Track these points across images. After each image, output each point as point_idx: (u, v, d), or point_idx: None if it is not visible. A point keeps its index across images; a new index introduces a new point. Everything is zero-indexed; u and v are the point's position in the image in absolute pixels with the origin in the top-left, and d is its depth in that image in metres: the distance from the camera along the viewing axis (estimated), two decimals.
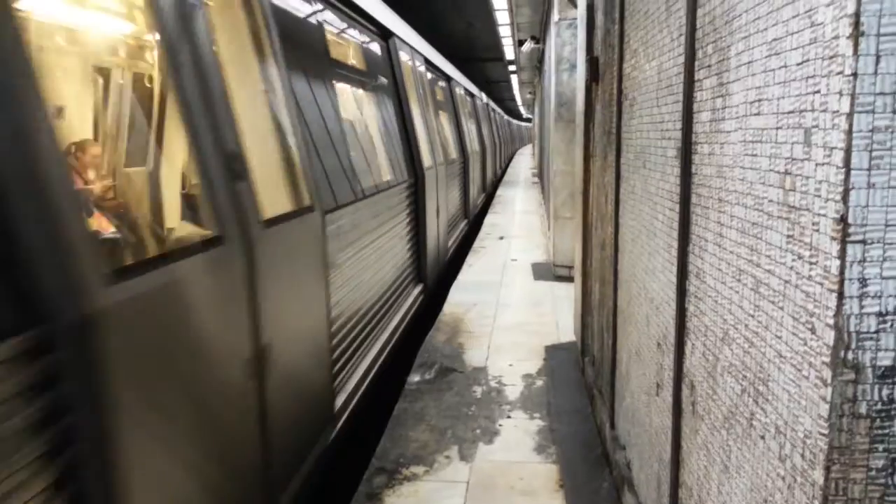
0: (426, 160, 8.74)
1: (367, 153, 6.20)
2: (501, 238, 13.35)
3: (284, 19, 4.39)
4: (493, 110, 31.25)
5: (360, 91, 6.56)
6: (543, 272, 10.12)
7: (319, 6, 5.28)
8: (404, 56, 8.56)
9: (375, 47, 7.34)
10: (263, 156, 3.50)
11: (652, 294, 3.04)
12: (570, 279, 9.35)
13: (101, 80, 4.22)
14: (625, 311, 3.69)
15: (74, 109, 3.66)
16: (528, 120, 77.31)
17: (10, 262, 1.79)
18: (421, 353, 6.67)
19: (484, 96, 26.29)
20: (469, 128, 16.89)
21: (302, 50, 4.67)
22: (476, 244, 12.84)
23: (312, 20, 5.11)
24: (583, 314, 5.65)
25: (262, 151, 3.51)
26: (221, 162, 2.95)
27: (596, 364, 4.95)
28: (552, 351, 6.72)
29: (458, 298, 8.83)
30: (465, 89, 18.04)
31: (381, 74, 7.43)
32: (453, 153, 12.37)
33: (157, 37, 2.69)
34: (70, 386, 1.93)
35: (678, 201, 2.60)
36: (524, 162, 46.31)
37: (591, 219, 5.02)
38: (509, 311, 8.18)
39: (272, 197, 3.48)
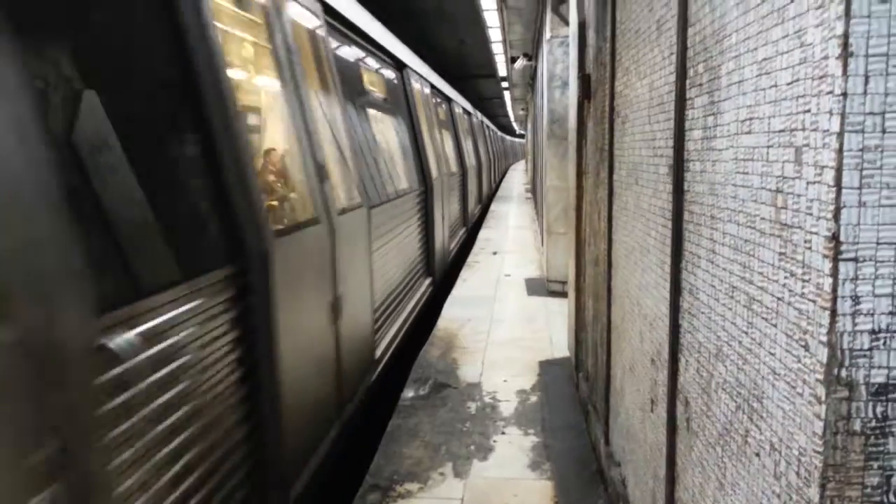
0: (433, 171, 9.85)
1: (392, 164, 7.54)
2: (495, 253, 13.39)
3: (339, 60, 5.71)
4: (488, 127, 32.04)
5: (385, 113, 7.96)
6: (537, 288, 10.14)
7: (357, 49, 6.82)
8: (415, 83, 9.93)
9: (393, 76, 8.81)
10: (333, 163, 4.75)
11: (645, 310, 3.03)
12: (563, 294, 9.37)
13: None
14: (619, 327, 3.67)
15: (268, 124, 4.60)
16: (522, 136, 77.57)
17: (228, 222, 2.99)
18: (415, 369, 6.67)
19: (479, 114, 27.04)
20: (466, 144, 17.80)
21: (347, 82, 5.95)
22: (470, 259, 12.87)
23: (352, 58, 6.65)
24: (577, 330, 5.64)
25: (333, 160, 4.75)
26: (316, 169, 4.27)
27: (590, 380, 4.95)
28: (546, 366, 6.70)
29: (453, 313, 8.80)
30: (463, 108, 19.01)
31: (398, 99, 8.85)
32: (454, 167, 13.37)
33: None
34: (254, 296, 3.10)
35: (671, 218, 2.59)
36: (517, 177, 46.23)
37: (584, 235, 5.02)
38: (503, 326, 8.18)
39: (340, 194, 4.77)
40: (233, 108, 3.09)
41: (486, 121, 33.41)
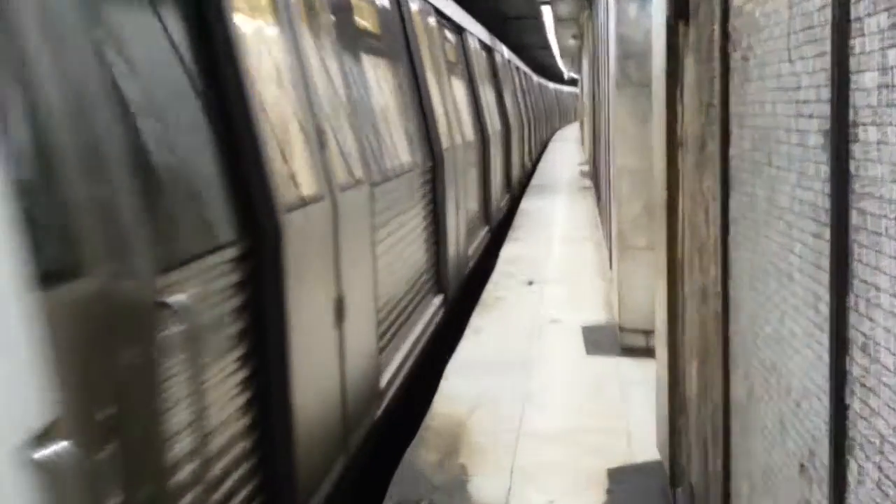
0: (444, 139, 7.43)
1: (388, 128, 5.93)
2: (531, 283, 9.17)
3: None
4: (517, 69, 22.34)
5: (376, 54, 6.04)
6: (603, 341, 6.94)
7: None
8: (414, 6, 7.35)
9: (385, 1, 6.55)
10: (330, 125, 4.26)
11: (787, 380, 2.11)
12: (647, 353, 6.14)
13: None
14: (743, 407, 2.60)
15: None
16: (571, 82, 52.60)
17: (234, 189, 2.94)
18: (395, 483, 4.60)
19: (505, 50, 19.23)
20: (486, 97, 12.82)
21: (331, 9, 4.89)
22: (488, 294, 8.70)
23: None
24: (671, 414, 4.09)
25: (330, 120, 4.27)
26: (315, 130, 3.94)
27: (696, 499, 3.73)
28: (621, 478, 4.62)
29: (459, 388, 5.89)
30: (480, 42, 13.69)
31: (391, 31, 6.57)
32: (470, 133, 9.92)
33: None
34: (265, 282, 3.03)
35: (828, 222, 1.76)
36: (566, 152, 31.20)
37: (681, 250, 3.69)
38: (546, 409, 5.56)
39: (338, 165, 4.27)
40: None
41: (515, 59, 23.18)
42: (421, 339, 5.94)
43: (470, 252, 8.87)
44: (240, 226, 2.92)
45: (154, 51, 2.65)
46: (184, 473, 2.35)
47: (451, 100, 8.76)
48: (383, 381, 4.77)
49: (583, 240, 11.81)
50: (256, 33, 3.50)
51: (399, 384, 5.13)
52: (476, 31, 13.11)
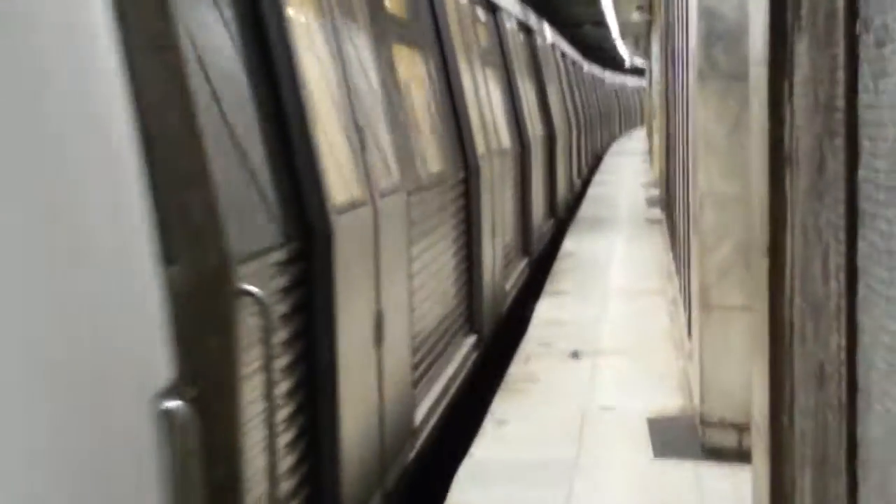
0: (480, 145, 6.38)
1: (418, 129, 5.26)
2: (576, 356, 6.96)
3: None
4: (563, 56, 17.99)
5: (406, 48, 5.34)
6: (676, 439, 5.30)
7: None
8: None
9: None
10: (370, 124, 4.09)
11: None
12: (740, 456, 4.72)
13: None
14: None
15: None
16: (636, 71, 41.10)
17: (285, 188, 3.01)
18: None
19: (547, 30, 15.27)
20: (527, 93, 10.51)
21: None
22: (517, 369, 6.58)
23: None
24: None
25: (369, 119, 4.11)
26: (356, 130, 3.81)
27: None
28: None
29: (474, 502, 4.59)
30: (519, 22, 11.16)
31: (422, 18, 5.81)
32: (506, 138, 8.34)
33: None
34: (315, 288, 3.08)
35: None
36: (627, 170, 24.57)
37: (789, 311, 2.90)
38: None
39: (378, 168, 4.12)
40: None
41: (561, 41, 18.63)
42: (452, 385, 5.26)
43: (507, 287, 7.63)
44: (291, 226, 2.95)
45: (226, 58, 2.80)
46: (254, 457, 2.48)
47: (486, 96, 7.45)
48: (417, 419, 4.43)
49: (649, 294, 9.10)
50: (307, 35, 3.50)
51: (433, 425, 4.74)
52: (512, 7, 10.63)
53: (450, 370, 5.29)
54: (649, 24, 18.12)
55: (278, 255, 2.79)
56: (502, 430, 5.42)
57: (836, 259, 2.26)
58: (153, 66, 2.04)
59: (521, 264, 8.99)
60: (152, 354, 1.80)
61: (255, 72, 2.93)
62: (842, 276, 2.21)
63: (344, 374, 3.14)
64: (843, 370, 2.18)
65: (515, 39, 10.64)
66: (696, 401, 5.36)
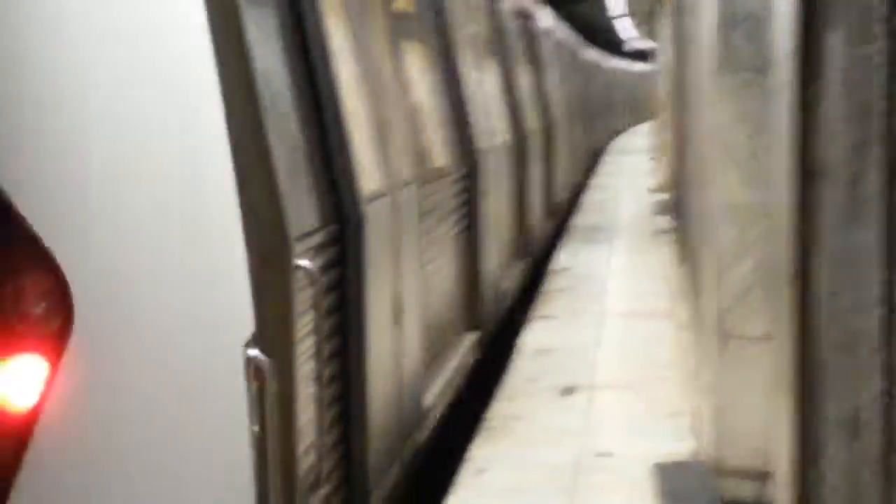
0: (483, 138, 6.14)
1: (421, 119, 5.22)
2: (568, 392, 6.24)
3: None
4: (561, 41, 16.19)
5: (412, 30, 5.24)
6: (686, 489, 4.72)
7: None
8: None
9: None
10: (387, 112, 4.36)
11: None
12: None
13: None
14: None
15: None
16: (641, 55, 36.48)
17: (332, 194, 3.34)
18: None
19: (545, 10, 14.39)
20: (522, 80, 9.90)
21: None
22: (499, 408, 5.89)
23: None
24: None
25: (387, 107, 4.40)
26: (376, 118, 4.10)
27: None
28: None
29: None
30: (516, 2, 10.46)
31: (425, 7, 5.67)
32: (505, 131, 8.00)
33: None
34: (347, 272, 3.36)
35: None
36: (629, 171, 22.68)
37: (819, 345, 2.63)
38: None
39: (395, 159, 4.40)
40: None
41: (558, 23, 16.92)
42: (455, 379, 5.31)
43: (506, 286, 7.32)
44: (329, 212, 3.22)
45: (278, 65, 3.06)
46: (305, 415, 2.83)
47: (487, 84, 7.09)
48: (427, 401, 4.73)
49: (654, 318, 8.10)
50: (339, 39, 3.72)
51: (440, 413, 5.03)
52: None
53: (453, 363, 5.50)
54: (655, 3, 15.94)
55: (319, 238, 3.09)
56: (481, 479, 4.77)
57: (873, 288, 2.02)
58: (234, 82, 2.46)
59: (520, 263, 8.66)
60: (242, 312, 2.26)
61: (300, 77, 3.23)
62: (880, 308, 1.98)
63: (371, 348, 3.51)
64: (882, 419, 1.93)
65: (513, 22, 9.88)
66: (710, 445, 4.77)
